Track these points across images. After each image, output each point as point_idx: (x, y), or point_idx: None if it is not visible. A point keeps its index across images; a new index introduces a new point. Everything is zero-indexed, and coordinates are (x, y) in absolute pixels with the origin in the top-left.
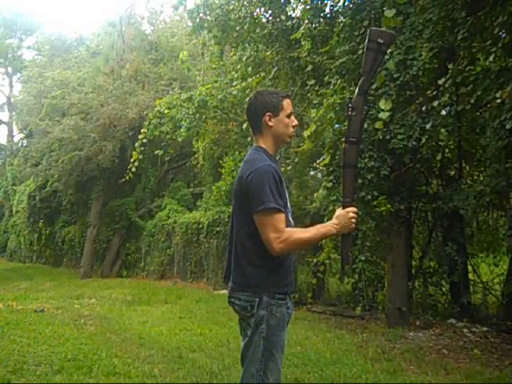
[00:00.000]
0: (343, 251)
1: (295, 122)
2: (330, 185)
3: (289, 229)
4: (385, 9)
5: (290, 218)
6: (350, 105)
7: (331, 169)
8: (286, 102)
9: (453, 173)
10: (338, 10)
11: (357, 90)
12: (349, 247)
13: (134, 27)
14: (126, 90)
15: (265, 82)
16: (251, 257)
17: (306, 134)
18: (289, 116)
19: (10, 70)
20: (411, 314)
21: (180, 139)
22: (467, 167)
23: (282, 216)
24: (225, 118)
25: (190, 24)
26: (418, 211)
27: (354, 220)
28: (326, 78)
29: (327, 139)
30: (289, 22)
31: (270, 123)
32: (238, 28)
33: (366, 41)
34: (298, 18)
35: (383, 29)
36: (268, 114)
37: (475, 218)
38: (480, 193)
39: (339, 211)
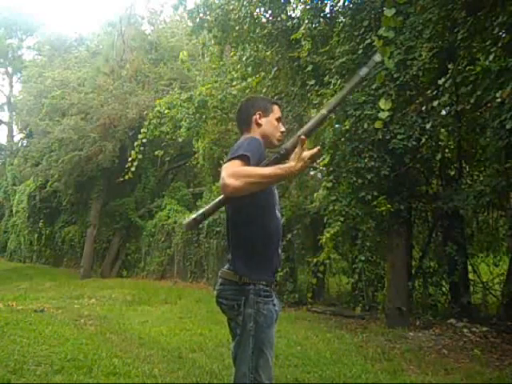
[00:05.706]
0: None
1: (283, 129)
2: (329, 185)
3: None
4: (384, 8)
5: (278, 213)
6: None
7: (331, 169)
8: (276, 108)
9: (453, 173)
10: (338, 10)
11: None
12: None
13: (134, 27)
14: (126, 90)
15: (265, 81)
16: (233, 245)
17: None
18: (278, 120)
19: (10, 70)
20: (411, 314)
21: (180, 139)
22: (467, 167)
23: (246, 163)
24: (225, 118)
25: (190, 24)
26: (417, 211)
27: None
28: (326, 78)
29: (327, 139)
30: (289, 22)
31: (260, 121)
32: (237, 28)
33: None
34: (297, 18)
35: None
36: (258, 112)
37: (475, 218)
38: (480, 193)
39: (305, 153)
